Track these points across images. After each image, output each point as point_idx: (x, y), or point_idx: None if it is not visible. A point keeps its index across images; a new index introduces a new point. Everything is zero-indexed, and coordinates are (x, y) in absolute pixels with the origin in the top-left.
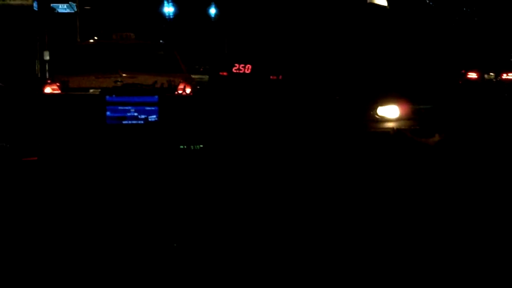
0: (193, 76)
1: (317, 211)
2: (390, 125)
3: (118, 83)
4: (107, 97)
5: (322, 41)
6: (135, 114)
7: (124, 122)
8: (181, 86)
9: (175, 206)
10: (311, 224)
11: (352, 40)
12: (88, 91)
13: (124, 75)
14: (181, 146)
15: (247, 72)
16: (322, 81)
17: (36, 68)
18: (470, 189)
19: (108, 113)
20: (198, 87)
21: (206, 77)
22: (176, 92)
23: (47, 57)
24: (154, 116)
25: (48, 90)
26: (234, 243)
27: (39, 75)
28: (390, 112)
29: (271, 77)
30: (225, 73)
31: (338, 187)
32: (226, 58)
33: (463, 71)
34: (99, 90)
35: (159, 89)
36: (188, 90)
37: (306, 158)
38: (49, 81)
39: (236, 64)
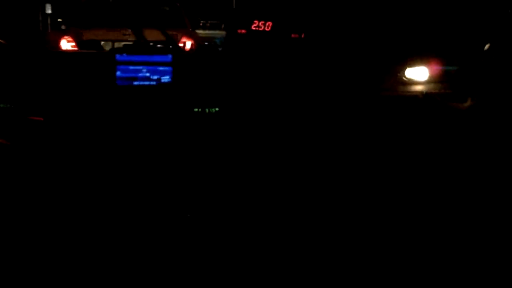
0: (200, 32)
1: (342, 177)
2: (419, 88)
3: (126, 36)
4: (117, 55)
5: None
6: (147, 74)
7: (135, 83)
8: (183, 40)
9: (187, 173)
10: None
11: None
12: (100, 43)
13: (130, 30)
14: (196, 109)
15: (267, 29)
16: (347, 40)
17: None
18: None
19: (118, 73)
20: (206, 43)
21: (214, 33)
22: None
23: (49, 10)
24: (167, 77)
25: (63, 41)
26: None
27: (41, 29)
28: (419, 74)
29: (292, 35)
30: (243, 31)
31: (361, 153)
32: (244, 14)
33: None
34: (110, 41)
35: (173, 47)
36: (189, 44)
37: (329, 121)
38: (64, 33)
39: (255, 21)
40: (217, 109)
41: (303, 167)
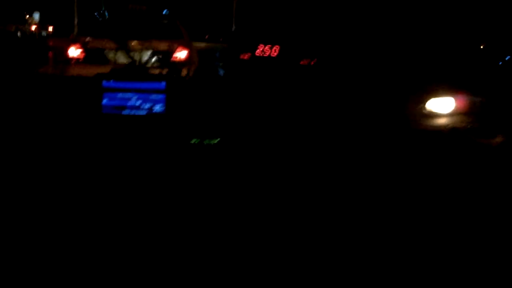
0: (199, 44)
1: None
2: (443, 121)
3: (127, 45)
4: (104, 82)
5: (364, 20)
6: (138, 103)
7: (123, 112)
8: (178, 50)
9: (183, 212)
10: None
11: (399, 18)
12: (104, 51)
13: (131, 40)
14: (193, 141)
15: (274, 55)
16: (361, 68)
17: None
18: None
19: (104, 101)
20: (217, 54)
21: (213, 45)
22: (173, 57)
23: (37, 19)
24: (160, 106)
25: (71, 49)
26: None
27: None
28: (443, 106)
29: (301, 62)
30: (246, 56)
31: (377, 195)
32: (248, 37)
33: None
34: (113, 50)
35: (167, 73)
36: (184, 54)
37: (342, 159)
38: (72, 41)
39: (260, 45)
40: (217, 140)
41: (312, 209)
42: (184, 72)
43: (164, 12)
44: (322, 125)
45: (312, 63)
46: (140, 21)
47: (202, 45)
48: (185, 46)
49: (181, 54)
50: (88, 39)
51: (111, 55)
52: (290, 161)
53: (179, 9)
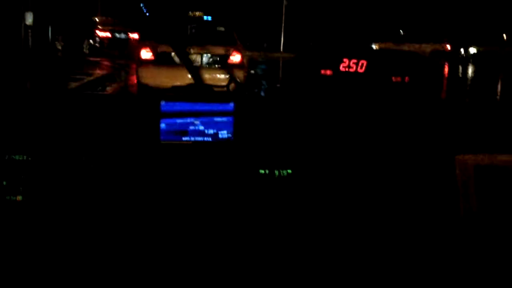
0: (258, 53)
1: None
2: None
3: (191, 50)
4: (163, 103)
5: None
6: (201, 127)
7: (184, 139)
8: (233, 54)
9: (251, 255)
10: None
11: None
12: (171, 55)
13: (194, 46)
14: (261, 171)
15: (360, 71)
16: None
17: (22, 36)
18: None
19: (163, 125)
20: (251, 71)
21: (254, 53)
22: (228, 60)
23: (29, 20)
24: (227, 131)
25: (143, 51)
26: None
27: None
28: None
29: (393, 78)
30: (329, 72)
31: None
32: (331, 51)
33: None
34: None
35: (236, 92)
36: (238, 58)
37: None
38: (143, 45)
39: (345, 60)
40: (289, 171)
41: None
42: (239, 74)
43: (205, 18)
44: (423, 154)
45: (407, 79)
46: (200, 28)
47: (261, 53)
48: (239, 51)
49: (236, 58)
50: (155, 43)
51: (176, 58)
52: (377, 196)
53: (226, 16)
